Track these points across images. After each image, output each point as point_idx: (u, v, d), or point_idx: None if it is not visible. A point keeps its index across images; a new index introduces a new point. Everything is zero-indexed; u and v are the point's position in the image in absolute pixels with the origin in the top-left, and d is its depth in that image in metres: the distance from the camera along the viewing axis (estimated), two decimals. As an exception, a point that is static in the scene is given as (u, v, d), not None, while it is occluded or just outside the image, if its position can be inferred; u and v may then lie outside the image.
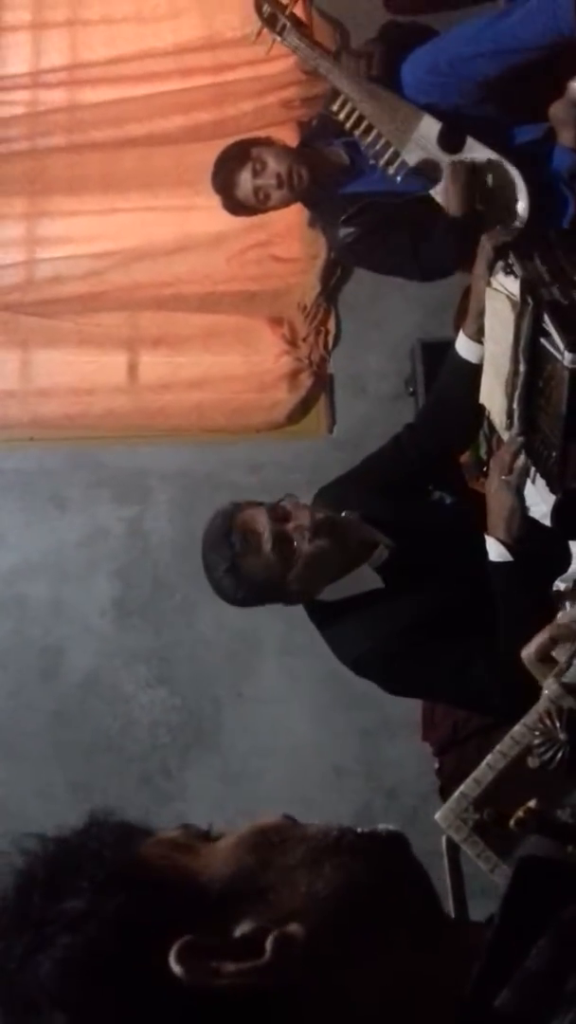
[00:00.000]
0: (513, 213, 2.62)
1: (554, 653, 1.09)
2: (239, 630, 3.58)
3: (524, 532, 2.02)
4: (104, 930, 0.63)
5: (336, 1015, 0.63)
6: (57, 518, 3.73)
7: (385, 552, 2.12)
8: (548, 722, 0.89)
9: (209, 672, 3.66)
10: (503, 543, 2.02)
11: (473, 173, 2.62)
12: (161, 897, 0.65)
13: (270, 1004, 0.62)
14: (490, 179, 2.64)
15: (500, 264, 1.90)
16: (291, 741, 3.56)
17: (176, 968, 0.61)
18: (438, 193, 2.68)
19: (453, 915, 1.46)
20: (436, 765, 2.82)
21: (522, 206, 2.63)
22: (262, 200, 2.89)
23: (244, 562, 2.04)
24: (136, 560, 3.72)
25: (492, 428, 2.12)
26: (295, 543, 2.02)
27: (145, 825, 0.72)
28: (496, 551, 2.04)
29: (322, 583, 2.10)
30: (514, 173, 2.65)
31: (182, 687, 3.65)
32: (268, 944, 0.62)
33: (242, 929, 0.64)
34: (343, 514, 2.17)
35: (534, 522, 2.12)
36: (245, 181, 2.85)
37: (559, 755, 0.88)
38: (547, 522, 1.93)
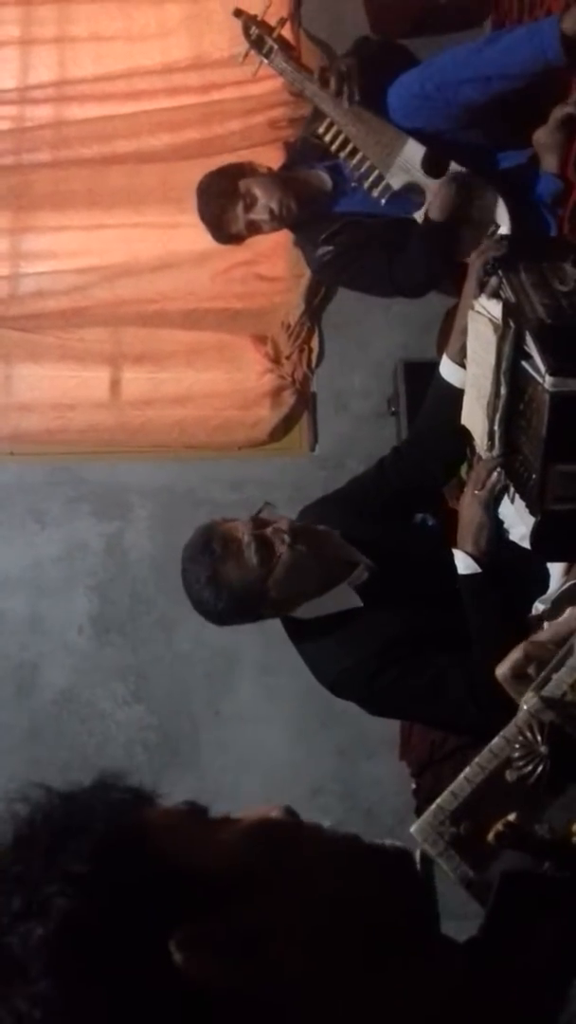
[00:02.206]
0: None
1: (529, 671, 1.09)
2: (217, 648, 3.57)
3: (492, 547, 2.03)
4: (103, 901, 0.61)
5: (326, 1016, 0.63)
6: (36, 533, 3.71)
7: (365, 572, 2.12)
8: (528, 735, 0.89)
9: (186, 690, 3.64)
10: (471, 555, 2.03)
11: (467, 186, 2.66)
12: (164, 872, 0.64)
13: (263, 999, 0.61)
14: (477, 203, 2.67)
15: (488, 282, 1.91)
16: (268, 760, 3.54)
17: (177, 956, 0.60)
18: (423, 208, 2.71)
19: None
20: (413, 786, 2.82)
21: (504, 232, 2.66)
22: (253, 232, 2.93)
23: (224, 568, 2.04)
24: (115, 576, 3.70)
25: (473, 450, 2.12)
26: (275, 547, 2.04)
27: (153, 793, 0.71)
28: (464, 564, 2.04)
29: (300, 593, 2.09)
30: (498, 201, 2.67)
31: (159, 705, 3.63)
32: (273, 946, 0.62)
33: (244, 922, 0.63)
34: (321, 528, 2.17)
35: (514, 544, 2.13)
36: (238, 218, 2.88)
37: (539, 769, 0.88)
38: (527, 544, 1.93)
